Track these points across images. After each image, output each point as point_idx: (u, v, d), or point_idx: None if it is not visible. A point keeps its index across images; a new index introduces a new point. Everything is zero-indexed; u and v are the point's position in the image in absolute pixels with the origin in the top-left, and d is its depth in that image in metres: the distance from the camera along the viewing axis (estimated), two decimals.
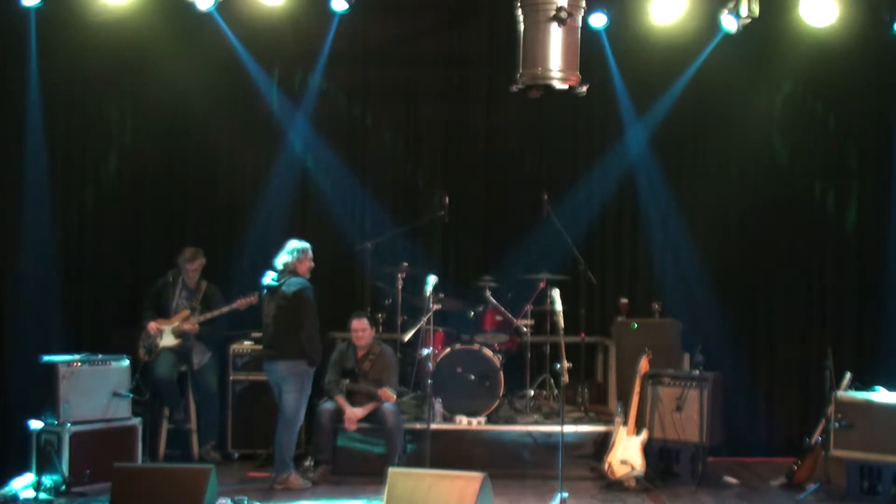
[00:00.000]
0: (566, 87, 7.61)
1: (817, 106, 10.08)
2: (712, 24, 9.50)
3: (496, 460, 8.97)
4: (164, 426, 9.10)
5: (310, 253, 8.51)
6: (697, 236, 10.13)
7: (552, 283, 9.02)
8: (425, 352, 8.83)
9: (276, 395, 8.51)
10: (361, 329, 8.81)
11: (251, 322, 9.40)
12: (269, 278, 8.46)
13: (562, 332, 8.20)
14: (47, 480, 8.02)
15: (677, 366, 9.30)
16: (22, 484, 8.20)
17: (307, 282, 8.40)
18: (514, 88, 7.74)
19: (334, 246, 10.10)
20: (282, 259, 8.45)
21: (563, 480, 7.78)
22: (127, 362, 8.52)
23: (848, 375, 8.43)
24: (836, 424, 8.23)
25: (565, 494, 7.74)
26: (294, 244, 8.49)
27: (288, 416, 8.35)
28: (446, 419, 9.04)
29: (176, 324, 9.04)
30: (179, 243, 9.49)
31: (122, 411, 8.41)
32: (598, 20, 9.41)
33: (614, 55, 9.92)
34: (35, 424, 8.22)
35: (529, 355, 9.50)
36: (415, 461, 8.47)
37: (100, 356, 8.45)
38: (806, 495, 8.28)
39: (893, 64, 9.68)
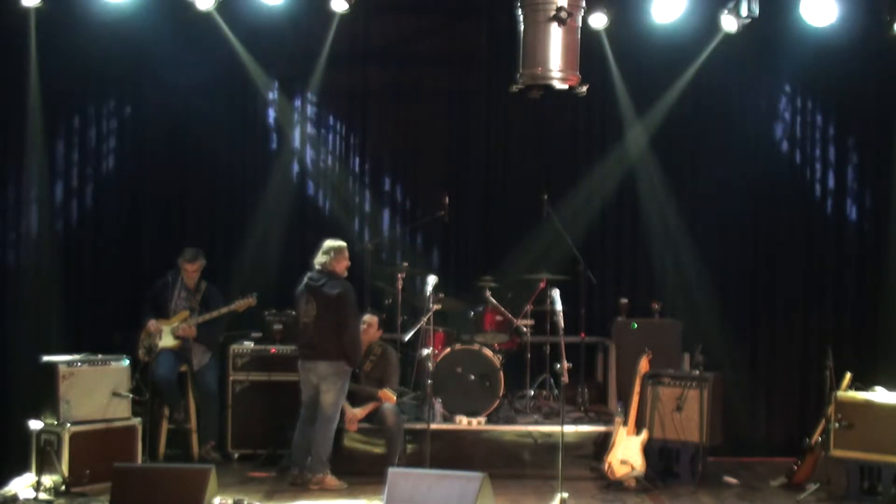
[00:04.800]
0: (566, 87, 7.60)
1: (817, 106, 10.09)
2: (712, 24, 9.50)
3: (496, 460, 8.95)
4: (164, 426, 9.10)
5: (346, 252, 8.47)
6: (697, 236, 10.13)
7: (552, 283, 9.02)
8: (425, 352, 8.83)
9: (305, 394, 8.47)
10: (368, 324, 8.82)
11: (251, 322, 9.41)
12: (308, 278, 8.43)
13: (562, 332, 8.18)
14: (47, 480, 8.01)
15: (677, 366, 9.30)
16: (22, 484, 8.20)
17: (348, 283, 8.40)
18: (514, 88, 7.73)
19: None
20: (319, 259, 8.41)
21: (563, 480, 7.78)
22: (127, 362, 8.51)
23: (848, 375, 8.42)
24: (836, 424, 8.22)
25: (565, 494, 7.75)
26: (329, 244, 8.46)
27: (327, 414, 8.33)
28: (446, 419, 9.04)
29: (175, 324, 9.03)
30: (179, 243, 9.50)
31: (122, 411, 8.41)
32: (598, 20, 9.41)
33: (614, 55, 9.92)
34: (35, 424, 8.22)
35: (529, 355, 9.50)
36: (415, 461, 8.47)
37: (100, 356, 8.44)
38: (806, 495, 8.28)
39: (893, 64, 9.68)
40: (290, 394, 8.84)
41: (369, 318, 8.87)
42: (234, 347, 9.34)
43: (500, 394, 9.06)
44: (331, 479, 8.34)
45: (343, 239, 10.09)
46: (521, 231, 10.14)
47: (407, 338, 9.14)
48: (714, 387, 8.75)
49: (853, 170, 10.09)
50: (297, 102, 10.31)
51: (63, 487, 7.98)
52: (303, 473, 8.40)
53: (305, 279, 8.45)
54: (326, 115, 10.40)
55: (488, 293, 9.46)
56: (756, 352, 10.14)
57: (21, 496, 7.97)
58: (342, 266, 8.45)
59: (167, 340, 9.01)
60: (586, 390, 9.69)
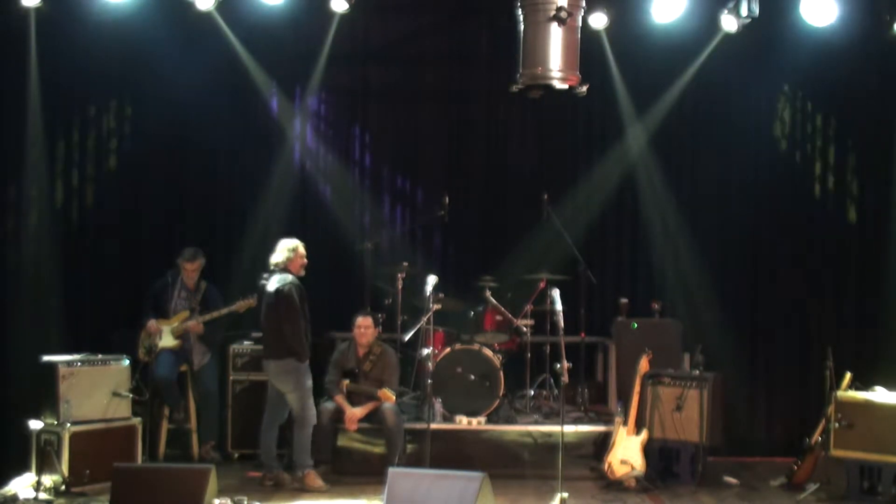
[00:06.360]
0: (566, 87, 7.60)
1: (817, 106, 10.09)
2: (712, 24, 9.51)
3: (496, 460, 8.96)
4: (164, 426, 9.10)
5: (301, 250, 8.49)
6: (697, 236, 10.13)
7: (552, 283, 9.02)
8: (425, 352, 8.83)
9: (269, 391, 8.53)
10: (365, 326, 8.82)
11: (251, 322, 9.40)
12: (262, 279, 8.46)
13: (562, 332, 8.19)
14: (47, 480, 8.01)
15: (677, 366, 9.30)
16: (22, 484, 8.20)
17: (293, 279, 8.37)
18: (514, 88, 7.73)
19: (334, 246, 10.11)
20: (274, 258, 8.45)
21: (563, 480, 7.78)
22: (127, 362, 8.52)
23: (848, 375, 8.42)
24: (836, 424, 8.22)
25: (565, 494, 7.75)
26: (284, 243, 8.50)
27: (297, 414, 8.34)
28: (446, 419, 9.04)
29: (175, 324, 9.04)
30: (179, 243, 9.50)
31: (122, 411, 8.41)
32: (598, 20, 9.43)
33: (614, 55, 9.93)
34: (35, 424, 8.22)
35: (529, 355, 9.50)
36: (415, 461, 8.47)
37: (100, 356, 8.45)
38: (806, 495, 8.28)
39: (893, 64, 9.68)
40: None
41: (362, 321, 8.85)
42: (234, 347, 9.35)
43: (500, 394, 9.06)
44: (313, 478, 8.33)
45: (343, 239, 10.17)
46: (521, 231, 10.14)
47: (407, 338, 9.15)
48: (714, 387, 8.75)
49: (853, 170, 10.09)
50: (297, 102, 10.31)
51: (63, 487, 7.99)
52: (273, 475, 8.42)
53: (261, 280, 8.48)
54: (326, 115, 10.40)
55: (488, 293, 9.46)
56: (756, 352, 10.14)
57: (21, 496, 7.96)
58: (297, 265, 8.45)
59: (167, 340, 9.02)
60: (586, 390, 9.69)
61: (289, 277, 8.35)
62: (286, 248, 8.46)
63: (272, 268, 8.44)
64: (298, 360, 8.31)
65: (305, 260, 8.52)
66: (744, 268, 10.19)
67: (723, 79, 10.03)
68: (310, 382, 8.42)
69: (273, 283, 8.33)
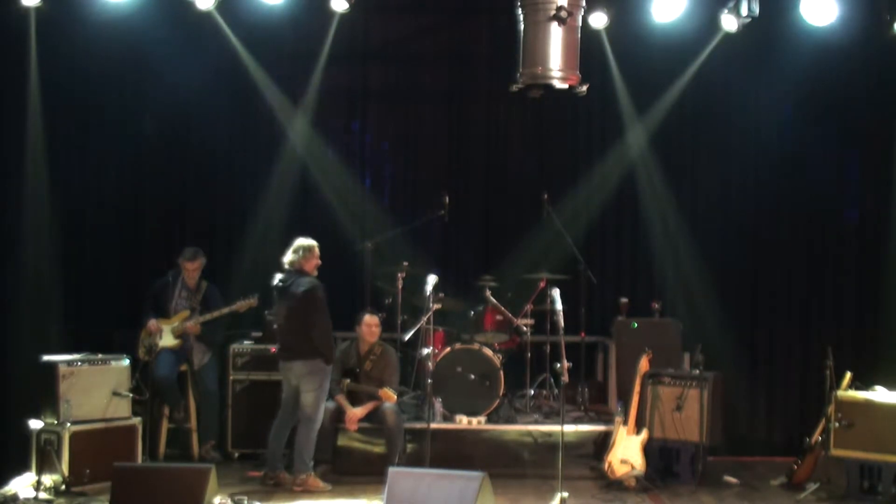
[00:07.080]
0: (566, 86, 7.60)
1: (817, 105, 10.08)
2: (712, 23, 9.52)
3: (496, 460, 8.96)
4: (164, 426, 9.10)
5: (317, 251, 8.46)
6: (697, 236, 10.13)
7: (552, 283, 9.02)
8: (425, 351, 8.83)
9: (284, 393, 8.49)
10: (375, 325, 8.84)
11: (251, 322, 9.41)
12: (277, 279, 8.43)
13: (562, 332, 8.19)
14: (47, 480, 8.01)
15: (677, 366, 9.30)
16: (22, 483, 8.21)
17: (316, 280, 8.37)
18: (514, 88, 7.73)
19: (334, 246, 10.09)
20: (288, 258, 8.42)
21: (563, 480, 7.78)
22: (127, 362, 8.52)
23: (848, 375, 8.42)
24: (837, 424, 8.22)
25: (565, 494, 7.75)
26: (300, 242, 8.45)
27: (308, 414, 8.31)
28: (446, 419, 9.04)
29: (176, 324, 9.04)
30: (179, 243, 9.51)
31: (122, 411, 8.41)
32: (598, 20, 9.43)
33: (614, 55, 9.94)
34: (35, 424, 8.22)
35: (529, 355, 9.50)
36: (415, 461, 8.47)
37: (100, 356, 8.45)
38: (806, 495, 8.28)
39: (893, 64, 9.68)
40: None
41: (369, 318, 8.87)
42: (234, 347, 9.34)
43: (500, 393, 9.06)
44: (314, 481, 8.31)
45: (343, 238, 10.17)
46: (521, 231, 10.14)
47: (407, 337, 9.14)
48: (714, 386, 8.75)
49: (853, 170, 10.09)
50: (297, 102, 10.30)
51: (63, 487, 7.99)
52: (276, 475, 8.40)
53: (276, 280, 8.45)
54: (326, 115, 10.40)
55: (488, 293, 9.46)
56: (756, 351, 10.13)
57: (21, 496, 7.96)
58: (312, 265, 8.42)
59: (167, 340, 9.02)
60: (586, 390, 9.69)
61: (312, 279, 8.33)
62: (301, 248, 8.41)
63: (287, 267, 8.42)
64: (325, 361, 8.31)
65: (320, 261, 8.50)
66: (744, 268, 10.19)
67: (723, 79, 10.03)
68: (328, 386, 8.42)
69: (296, 285, 8.29)
